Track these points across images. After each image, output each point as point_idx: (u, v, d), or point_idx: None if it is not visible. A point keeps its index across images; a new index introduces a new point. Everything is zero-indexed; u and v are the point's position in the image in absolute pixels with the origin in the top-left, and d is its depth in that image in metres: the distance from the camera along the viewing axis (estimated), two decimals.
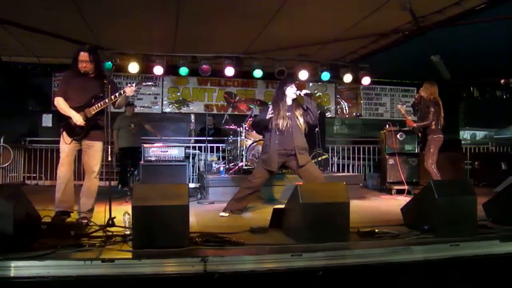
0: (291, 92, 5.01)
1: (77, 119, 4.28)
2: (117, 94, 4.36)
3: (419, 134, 6.65)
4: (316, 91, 11.67)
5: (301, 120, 5.02)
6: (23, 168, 9.16)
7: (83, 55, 4.32)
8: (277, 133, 4.94)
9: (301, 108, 5.04)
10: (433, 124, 6.24)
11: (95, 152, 4.44)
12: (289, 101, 5.05)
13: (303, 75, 8.45)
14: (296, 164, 4.94)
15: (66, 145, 4.35)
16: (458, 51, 7.80)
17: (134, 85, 4.51)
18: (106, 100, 4.25)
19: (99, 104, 4.33)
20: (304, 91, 5.01)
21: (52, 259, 2.80)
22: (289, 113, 4.98)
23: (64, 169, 4.35)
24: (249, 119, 7.26)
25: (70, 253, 2.95)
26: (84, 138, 4.39)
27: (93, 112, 4.34)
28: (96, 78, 4.43)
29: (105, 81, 4.30)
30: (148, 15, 6.79)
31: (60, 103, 4.34)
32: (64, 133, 4.36)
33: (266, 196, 6.51)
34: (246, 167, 6.77)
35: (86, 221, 3.97)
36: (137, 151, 7.96)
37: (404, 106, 6.21)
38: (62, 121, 4.41)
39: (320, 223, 3.46)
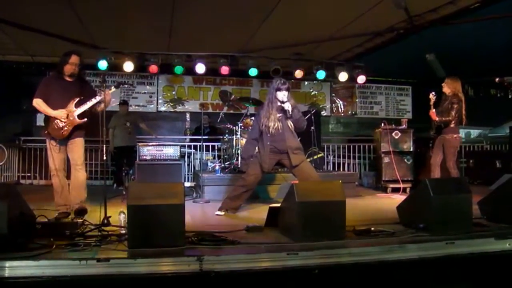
0: (281, 97, 4.87)
1: (61, 114, 4.43)
2: (97, 97, 4.51)
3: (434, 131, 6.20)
4: (311, 90, 11.68)
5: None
6: (18, 167, 9.12)
7: (76, 58, 4.51)
8: (268, 134, 4.93)
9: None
10: (453, 122, 5.92)
11: (76, 147, 4.60)
12: (279, 103, 5.00)
13: (299, 73, 8.46)
14: (289, 163, 4.94)
15: (56, 154, 4.49)
16: (453, 49, 7.83)
17: (109, 91, 4.61)
18: (88, 103, 4.47)
19: (80, 108, 4.50)
20: (291, 111, 4.84)
21: (47, 259, 2.79)
22: (280, 115, 4.93)
23: (58, 179, 4.54)
24: (244, 118, 7.24)
25: (65, 253, 2.93)
26: (67, 139, 4.54)
27: (75, 115, 4.49)
28: (76, 81, 4.60)
29: (88, 84, 4.65)
30: (143, 13, 6.76)
31: (40, 104, 4.49)
32: (52, 141, 4.49)
33: (262, 195, 6.50)
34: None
35: (81, 220, 3.96)
36: (132, 150, 7.91)
37: (435, 97, 6.04)
38: (46, 127, 4.52)
39: (316, 221, 3.46)
